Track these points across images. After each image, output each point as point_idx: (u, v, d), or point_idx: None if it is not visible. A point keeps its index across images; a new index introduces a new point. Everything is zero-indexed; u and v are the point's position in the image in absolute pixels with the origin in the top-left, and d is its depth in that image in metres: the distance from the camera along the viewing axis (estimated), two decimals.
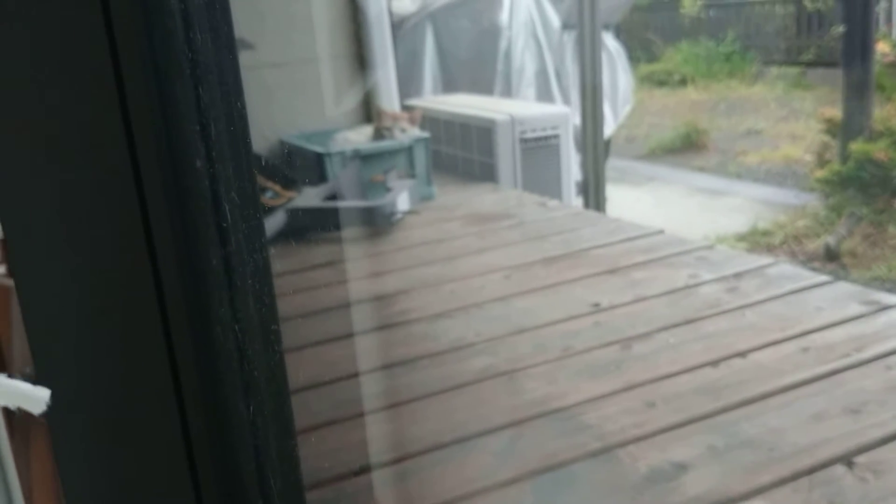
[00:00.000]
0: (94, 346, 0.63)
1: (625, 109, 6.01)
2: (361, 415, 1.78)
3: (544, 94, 5.58)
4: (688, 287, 2.36)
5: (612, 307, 2.25)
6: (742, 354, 1.91)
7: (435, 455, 1.57)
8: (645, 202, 5.76)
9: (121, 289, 0.59)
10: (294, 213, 2.98)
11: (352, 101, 3.83)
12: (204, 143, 0.55)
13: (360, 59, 3.85)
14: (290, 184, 3.14)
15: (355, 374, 1.97)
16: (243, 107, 0.60)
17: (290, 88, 3.58)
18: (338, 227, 3.13)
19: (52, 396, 0.63)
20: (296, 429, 0.69)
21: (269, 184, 3.04)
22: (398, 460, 1.57)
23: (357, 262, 2.91)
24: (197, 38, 0.57)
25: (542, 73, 5.61)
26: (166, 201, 0.59)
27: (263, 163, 3.23)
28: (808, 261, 4.51)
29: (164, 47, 0.55)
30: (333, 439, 1.64)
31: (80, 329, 0.62)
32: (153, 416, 0.66)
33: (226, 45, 0.58)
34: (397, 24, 5.55)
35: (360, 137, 3.48)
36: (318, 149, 3.35)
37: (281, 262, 2.49)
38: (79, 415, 0.65)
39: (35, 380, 0.63)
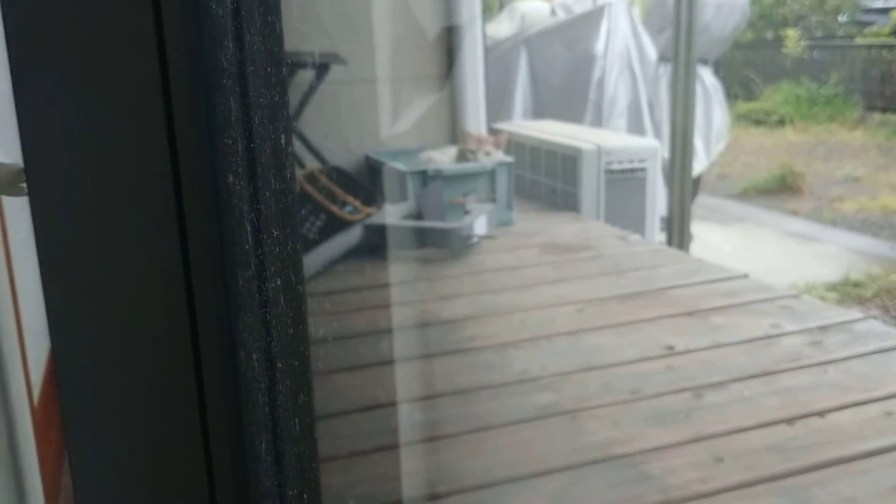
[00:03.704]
0: (121, 354, 0.61)
1: (718, 146, 5.87)
2: (413, 443, 1.74)
3: (636, 126, 5.49)
4: (768, 337, 2.26)
5: (687, 352, 2.16)
6: (820, 414, 1.81)
7: (485, 493, 1.52)
8: (732, 243, 5.59)
9: (148, 291, 0.57)
10: (371, 229, 2.97)
11: (436, 119, 3.82)
12: (240, 159, 0.52)
13: (451, 80, 3.84)
14: (370, 199, 3.14)
15: (413, 400, 1.94)
16: (289, 126, 0.57)
17: (379, 106, 3.60)
18: (413, 246, 3.11)
19: (68, 392, 0.61)
20: (319, 454, 0.65)
21: (350, 198, 3.04)
22: (445, 495, 1.52)
23: (429, 283, 2.88)
24: (245, 47, 0.54)
25: (634, 105, 5.53)
26: (202, 214, 0.57)
27: (346, 176, 3.24)
28: None
29: (211, 56, 0.53)
30: (383, 466, 1.60)
31: (105, 339, 0.60)
32: (173, 435, 0.63)
33: (272, 57, 0.54)
34: (492, 48, 5.55)
35: (444, 158, 3.46)
36: (401, 167, 3.34)
37: (352, 277, 2.49)
38: (95, 416, 0.62)
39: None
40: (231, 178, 0.54)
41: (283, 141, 0.52)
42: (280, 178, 0.52)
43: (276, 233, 0.55)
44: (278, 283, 0.55)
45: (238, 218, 0.55)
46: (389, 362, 2.11)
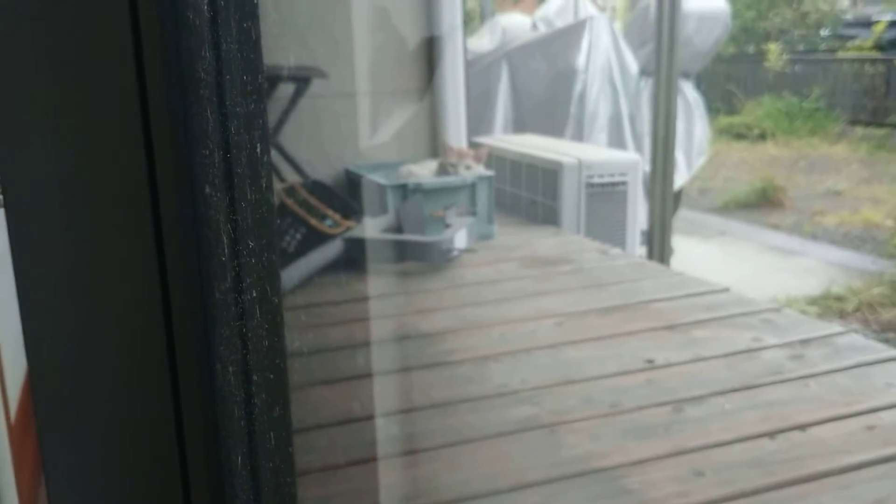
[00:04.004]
0: (97, 367, 0.61)
1: (699, 160, 5.91)
2: (391, 457, 1.74)
3: (617, 141, 5.52)
4: (750, 350, 2.27)
5: (667, 365, 2.17)
6: (802, 427, 1.82)
7: None
8: (713, 257, 5.63)
9: (125, 301, 0.57)
10: (351, 243, 2.98)
11: (416, 132, 3.84)
12: (216, 170, 0.53)
13: (432, 92, 3.86)
14: (350, 213, 3.14)
15: (390, 413, 1.94)
16: (265, 135, 0.58)
17: (359, 119, 3.61)
18: (393, 259, 3.11)
19: (44, 403, 0.61)
20: (296, 467, 0.65)
21: (330, 212, 3.04)
22: None
23: (408, 296, 2.88)
24: (222, 56, 0.54)
25: (615, 119, 5.56)
26: (179, 225, 0.57)
27: (326, 190, 3.24)
28: (883, 331, 4.33)
29: (189, 67, 0.53)
30: (359, 480, 1.59)
31: (81, 353, 0.60)
32: (149, 449, 0.63)
33: (248, 64, 0.55)
34: (473, 62, 5.58)
35: (424, 171, 3.47)
36: (382, 180, 3.35)
37: (331, 290, 2.49)
38: (71, 432, 0.62)
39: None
40: (208, 190, 0.54)
41: (259, 150, 0.53)
42: (256, 188, 0.53)
43: (252, 244, 0.55)
44: (254, 294, 0.55)
45: (215, 229, 0.55)
46: (367, 375, 2.11)
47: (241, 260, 0.55)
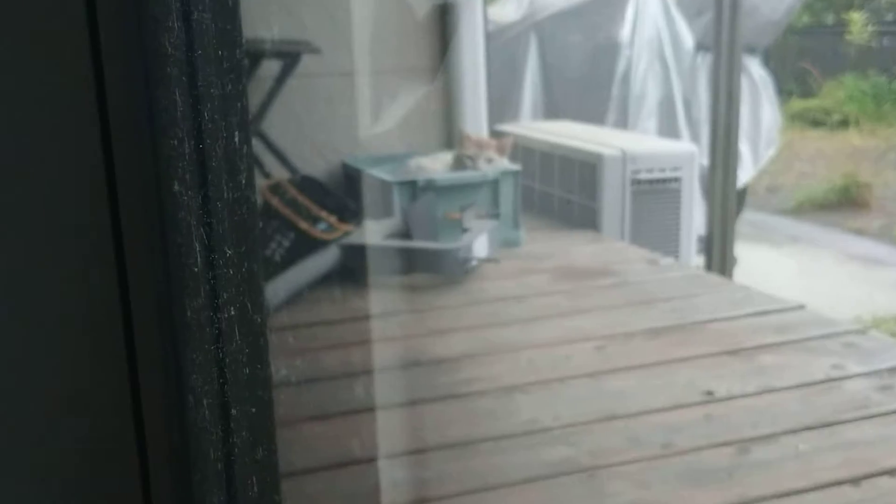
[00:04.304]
0: (47, 400, 0.61)
1: (768, 152, 5.89)
2: None
3: (668, 128, 5.52)
4: (829, 380, 2.26)
5: (730, 398, 2.17)
6: (891, 473, 1.81)
7: None
8: (784, 268, 5.60)
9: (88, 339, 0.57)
10: (349, 251, 2.98)
11: (427, 119, 3.84)
12: (187, 163, 0.53)
13: (445, 70, 3.87)
14: (347, 215, 3.15)
15: (397, 454, 1.94)
16: (245, 121, 0.58)
17: (359, 103, 3.62)
18: (400, 271, 3.12)
19: None
20: None
21: (324, 214, 3.05)
22: None
23: (418, 315, 2.89)
24: (193, 27, 0.54)
25: (667, 102, 5.56)
26: (142, 230, 0.57)
27: (319, 187, 3.25)
28: None
29: (152, 39, 0.53)
30: None
31: (19, 374, 0.60)
32: (110, 495, 0.63)
33: (225, 37, 0.55)
34: (496, 34, 5.58)
35: (436, 165, 3.48)
36: (386, 176, 3.36)
37: (325, 308, 2.49)
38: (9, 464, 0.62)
39: None
40: (177, 187, 0.54)
41: (238, 139, 0.53)
42: (235, 185, 0.53)
43: (230, 252, 0.55)
44: (233, 312, 0.55)
45: (185, 234, 0.55)
46: (369, 409, 2.11)
47: (217, 271, 0.55)
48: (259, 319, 0.57)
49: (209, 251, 0.55)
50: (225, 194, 0.54)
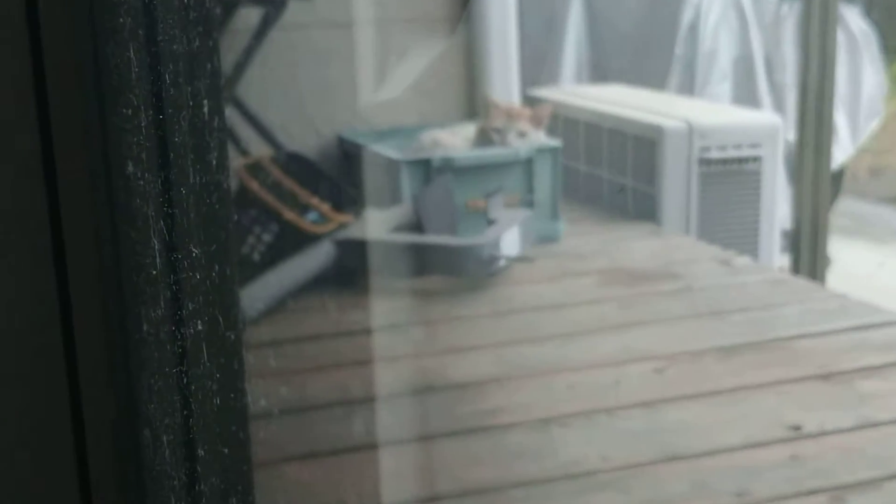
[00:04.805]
0: None
1: (870, 125, 5.87)
2: None
3: (746, 94, 5.49)
4: None
5: (821, 434, 2.16)
6: None
7: None
8: (891, 270, 5.59)
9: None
10: (346, 247, 2.99)
11: (444, 82, 3.84)
12: (144, 138, 0.52)
13: (467, 22, 3.86)
14: (344, 203, 3.16)
15: (409, 502, 1.94)
16: (217, 87, 0.57)
17: (359, 61, 3.61)
18: (410, 273, 3.12)
19: None
20: None
21: (314, 201, 3.06)
22: None
23: (432, 328, 2.89)
24: None
25: (744, 62, 5.54)
26: (86, 222, 0.57)
27: (309, 168, 3.26)
28: None
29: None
30: None
31: None
32: None
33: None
34: None
35: (456, 140, 3.48)
36: (393, 153, 3.36)
37: (316, 320, 2.50)
38: None
39: None
40: (130, 168, 0.54)
41: (207, 108, 0.52)
42: (204, 166, 0.52)
43: (197, 252, 0.54)
44: (200, 328, 0.55)
45: (141, 228, 0.55)
46: (370, 447, 2.11)
47: (181, 275, 0.55)
48: (233, 337, 0.56)
49: (171, 250, 0.54)
50: (191, 178, 0.53)
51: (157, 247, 0.55)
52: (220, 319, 0.55)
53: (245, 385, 0.61)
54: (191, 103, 0.52)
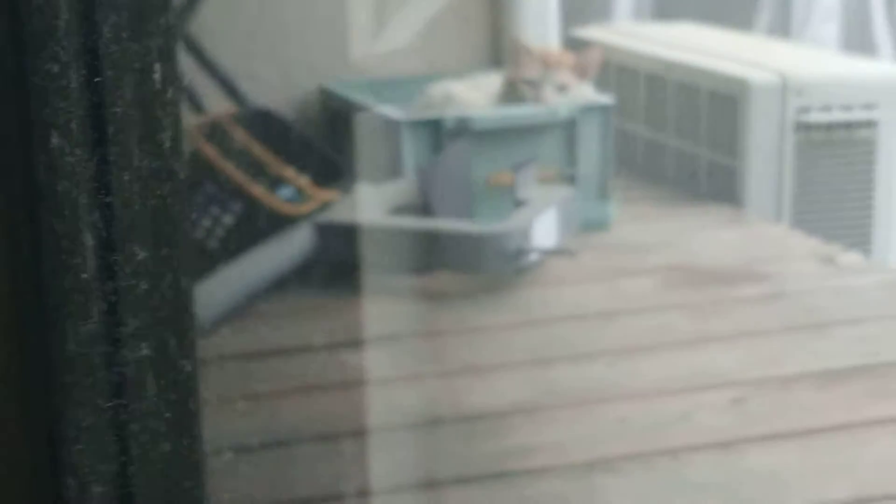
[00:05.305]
0: None
1: None
2: None
3: (857, 38, 5.50)
4: None
5: None
6: None
7: None
8: None
9: None
10: (330, 233, 2.99)
11: (460, 22, 3.84)
12: (72, 102, 0.52)
13: None
14: (328, 175, 3.16)
15: None
16: (169, 32, 0.57)
17: None
18: (414, 266, 3.12)
19: None
20: None
21: (289, 172, 3.06)
22: None
23: (442, 340, 2.89)
24: None
25: None
26: None
27: (283, 130, 3.26)
28: None
29: None
30: None
31: None
32: None
33: None
34: None
35: (474, 96, 3.48)
36: (392, 112, 3.36)
37: (293, 327, 2.53)
38: None
39: None
40: (56, 141, 0.54)
41: (159, 76, 0.53)
42: (154, 147, 0.52)
43: (142, 254, 0.55)
44: (145, 351, 0.55)
45: (69, 220, 0.55)
46: (361, 495, 2.12)
47: (121, 283, 0.55)
48: (188, 367, 0.57)
49: (108, 249, 0.55)
50: (135, 161, 0.54)
51: (89, 244, 0.55)
52: (172, 343, 0.56)
53: (200, 417, 0.61)
54: (137, 65, 0.52)
